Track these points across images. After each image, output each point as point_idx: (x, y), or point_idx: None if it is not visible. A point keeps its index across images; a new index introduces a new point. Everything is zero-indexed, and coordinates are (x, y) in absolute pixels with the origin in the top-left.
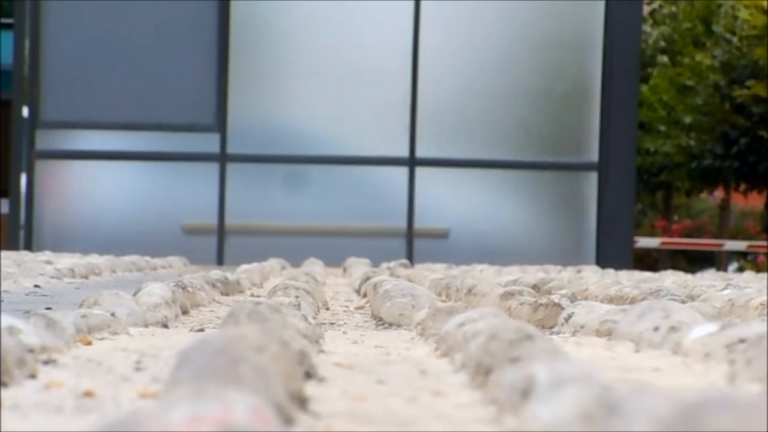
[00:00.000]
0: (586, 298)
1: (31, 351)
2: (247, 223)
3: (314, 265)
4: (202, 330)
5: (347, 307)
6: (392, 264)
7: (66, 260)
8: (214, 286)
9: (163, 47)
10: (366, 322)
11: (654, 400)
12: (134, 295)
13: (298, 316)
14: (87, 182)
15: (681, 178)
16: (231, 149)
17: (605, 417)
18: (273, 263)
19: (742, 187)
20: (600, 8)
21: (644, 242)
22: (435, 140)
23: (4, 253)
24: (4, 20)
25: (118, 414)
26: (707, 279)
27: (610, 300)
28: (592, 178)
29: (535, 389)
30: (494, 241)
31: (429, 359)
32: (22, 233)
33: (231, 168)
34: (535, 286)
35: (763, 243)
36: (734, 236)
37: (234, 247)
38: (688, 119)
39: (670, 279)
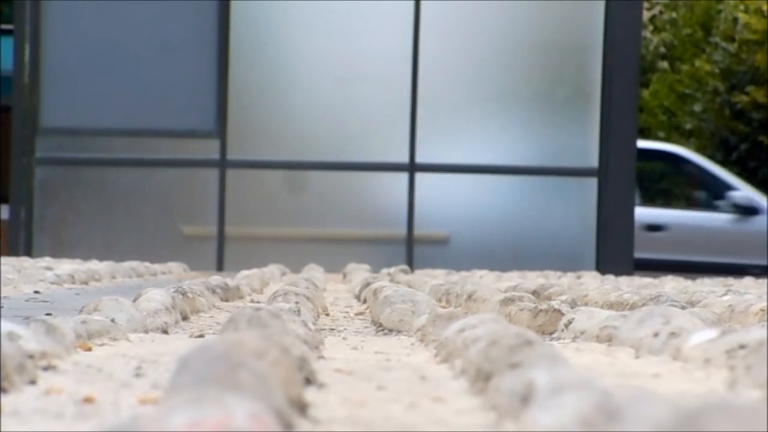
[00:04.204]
0: (586, 304)
1: (30, 357)
2: (247, 229)
3: (314, 271)
4: (202, 336)
5: (347, 312)
6: (392, 270)
7: (66, 266)
8: (214, 291)
9: (163, 52)
10: (366, 327)
11: (654, 406)
12: (134, 301)
13: (298, 321)
14: (87, 188)
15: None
16: (231, 155)
17: (605, 423)
18: (273, 269)
19: None
20: (600, 13)
21: None
22: (435, 146)
23: (4, 259)
24: (4, 26)
25: (118, 420)
26: (707, 285)
27: (610, 306)
28: (592, 183)
29: (535, 395)
30: (494, 247)
31: (429, 365)
32: (22, 239)
33: (231, 174)
34: (535, 292)
35: None
36: None
37: (234, 253)
38: (688, 125)
39: (670, 285)
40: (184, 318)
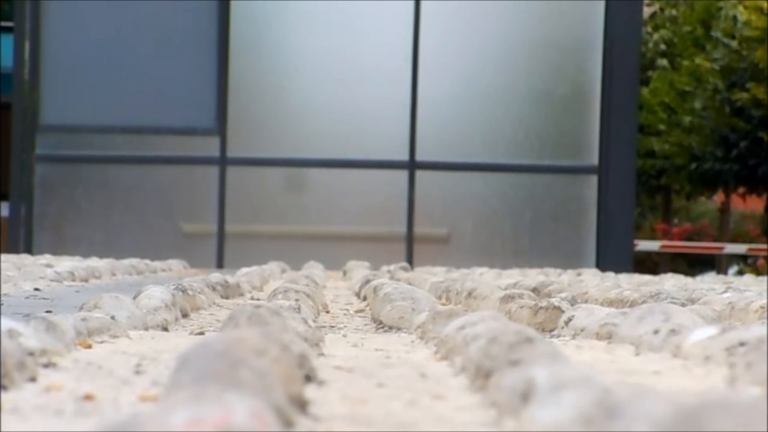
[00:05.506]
0: (586, 301)
1: (31, 354)
2: (247, 226)
3: (314, 269)
4: (202, 333)
5: (347, 310)
6: (392, 267)
7: (66, 263)
8: (214, 289)
9: (163, 50)
10: (366, 325)
11: (654, 404)
12: (134, 298)
13: (298, 319)
14: (87, 185)
15: (681, 182)
16: (231, 152)
17: (605, 420)
18: (273, 266)
19: (741, 190)
20: (600, 11)
21: (644, 245)
22: (435, 143)
23: (4, 256)
24: (5, 23)
25: (118, 417)
26: (707, 282)
27: (610, 303)
28: (593, 181)
29: (535, 392)
30: (494, 244)
31: (429, 362)
32: (22, 236)
33: (231, 171)
34: (535, 289)
35: (763, 246)
36: (734, 239)
37: (234, 250)
38: (688, 123)
39: (670, 282)
40: (184, 315)
